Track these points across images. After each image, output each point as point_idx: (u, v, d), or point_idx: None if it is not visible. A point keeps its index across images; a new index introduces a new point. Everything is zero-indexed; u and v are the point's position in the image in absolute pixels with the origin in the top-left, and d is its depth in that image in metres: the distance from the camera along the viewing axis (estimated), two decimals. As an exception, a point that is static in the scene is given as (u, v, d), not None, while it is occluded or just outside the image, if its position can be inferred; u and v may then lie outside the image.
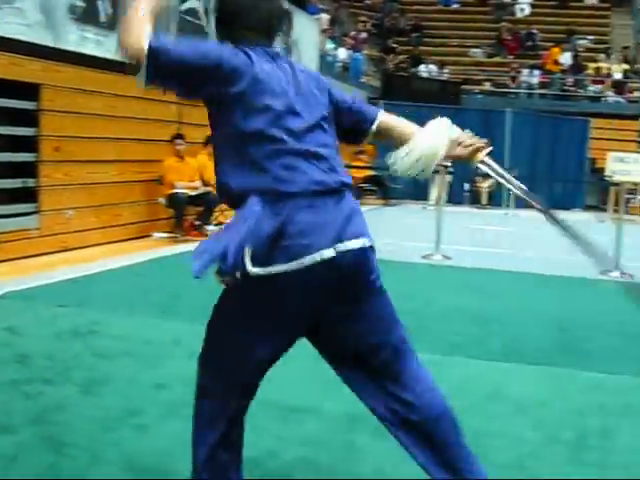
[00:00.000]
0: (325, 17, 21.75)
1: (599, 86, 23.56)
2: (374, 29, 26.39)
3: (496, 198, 18.62)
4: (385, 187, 18.12)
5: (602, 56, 24.26)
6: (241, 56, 2.46)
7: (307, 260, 2.38)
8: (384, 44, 26.03)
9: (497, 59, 25.45)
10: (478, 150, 2.78)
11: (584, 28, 25.68)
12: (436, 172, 9.43)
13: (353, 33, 24.17)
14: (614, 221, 10.11)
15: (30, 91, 8.41)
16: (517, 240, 12.36)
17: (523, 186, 2.84)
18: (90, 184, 9.45)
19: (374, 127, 2.79)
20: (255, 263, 2.36)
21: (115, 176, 9.97)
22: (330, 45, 20.92)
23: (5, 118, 8.19)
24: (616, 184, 13.77)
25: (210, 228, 10.97)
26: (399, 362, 2.60)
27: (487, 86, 24.18)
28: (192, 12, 11.58)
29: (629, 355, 5.53)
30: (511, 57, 25.21)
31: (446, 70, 24.52)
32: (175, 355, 4.92)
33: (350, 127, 2.76)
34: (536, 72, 24.02)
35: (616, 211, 11.79)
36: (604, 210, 17.31)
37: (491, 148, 2.79)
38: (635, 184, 17.42)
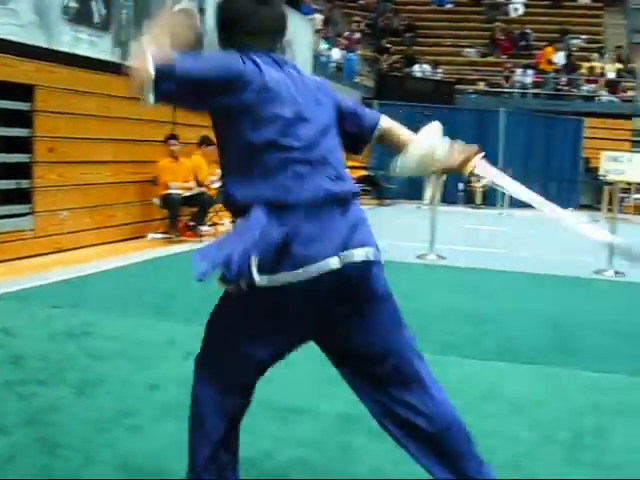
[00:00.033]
0: (319, 17, 21.76)
1: (593, 85, 23.61)
2: (368, 29, 26.40)
3: (490, 198, 18.65)
4: (379, 187, 18.14)
5: (595, 55, 24.32)
6: (249, 65, 2.42)
7: (312, 269, 2.37)
8: (378, 44, 26.04)
9: (491, 59, 25.48)
10: (469, 159, 2.76)
11: (577, 28, 25.73)
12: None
13: (347, 33, 24.18)
14: (608, 220, 10.11)
15: (24, 92, 8.40)
16: (511, 240, 12.38)
17: (524, 189, 2.81)
18: (84, 185, 9.43)
19: (375, 133, 2.77)
20: (260, 272, 2.34)
21: (109, 177, 9.96)
22: (324, 45, 20.93)
23: (-1, 119, 8.18)
24: (610, 183, 13.77)
25: (204, 229, 10.97)
26: (405, 370, 2.57)
27: (481, 86, 24.23)
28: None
29: (623, 354, 5.54)
30: (505, 57, 25.23)
31: (440, 70, 24.55)
32: (169, 356, 4.91)
33: (352, 133, 2.74)
34: (530, 72, 24.07)
35: (610, 210, 11.78)
36: (598, 209, 17.33)
37: (483, 154, 2.77)
38: (629, 183, 17.45)
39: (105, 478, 3.12)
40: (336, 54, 21.59)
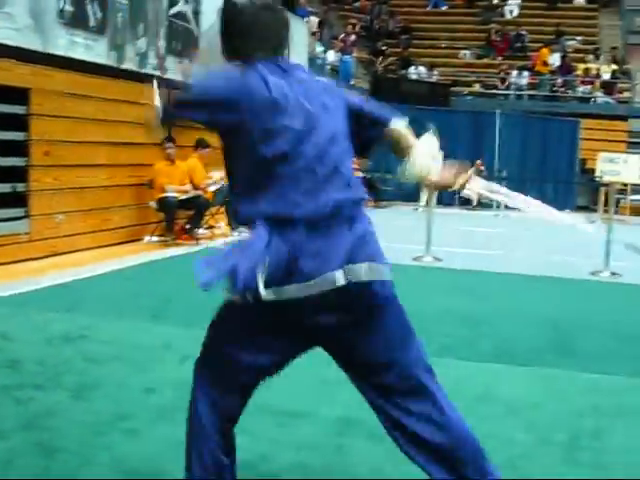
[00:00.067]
0: (314, 20, 21.77)
1: (588, 87, 23.65)
2: (363, 31, 26.41)
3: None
4: (376, 189, 18.11)
5: (591, 57, 24.37)
6: (254, 78, 2.40)
7: (317, 283, 2.36)
8: (373, 46, 26.04)
9: (486, 60, 25.52)
10: (461, 178, 2.75)
11: (573, 29, 25.80)
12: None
13: (342, 36, 24.17)
14: (604, 221, 10.13)
15: (19, 95, 8.38)
16: (507, 241, 12.39)
17: (519, 197, 2.82)
18: (80, 188, 9.42)
19: (385, 136, 2.73)
20: (267, 286, 2.34)
21: (105, 180, 9.95)
22: (319, 48, 20.93)
23: (-6, 123, 8.18)
24: (606, 184, 13.82)
25: (201, 232, 10.97)
26: (411, 382, 2.54)
27: (476, 88, 24.26)
28: (181, 16, 11.57)
29: (622, 355, 5.54)
30: (500, 58, 25.28)
31: (435, 72, 24.56)
32: (165, 359, 4.91)
33: (361, 135, 2.69)
34: (525, 73, 24.10)
35: (606, 211, 11.81)
36: (595, 210, 17.37)
37: (473, 170, 2.79)
38: (625, 184, 17.50)
39: (102, 482, 3.12)
40: (331, 56, 21.60)
